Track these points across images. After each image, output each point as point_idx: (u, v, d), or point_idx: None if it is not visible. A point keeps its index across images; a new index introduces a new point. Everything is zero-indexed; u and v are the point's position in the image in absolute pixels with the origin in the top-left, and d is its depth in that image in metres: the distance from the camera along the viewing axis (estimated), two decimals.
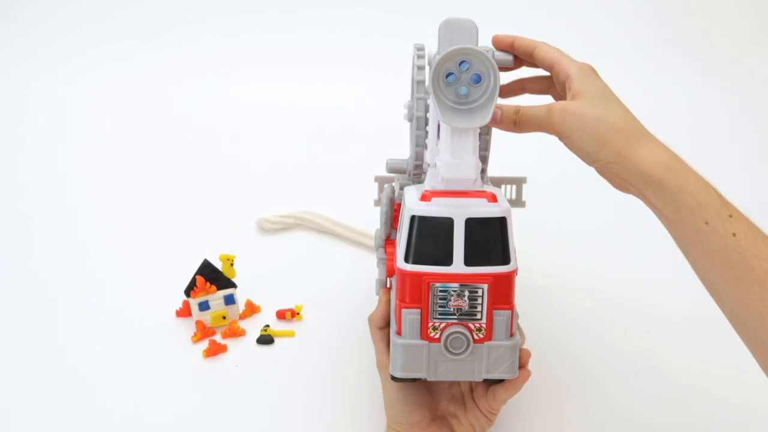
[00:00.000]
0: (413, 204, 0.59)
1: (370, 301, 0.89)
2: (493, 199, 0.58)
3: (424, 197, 0.59)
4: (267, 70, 1.30)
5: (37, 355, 0.81)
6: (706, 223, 0.54)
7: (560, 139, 0.60)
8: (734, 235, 0.53)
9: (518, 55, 0.66)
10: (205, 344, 0.82)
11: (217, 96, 1.24)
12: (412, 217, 0.58)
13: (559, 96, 0.66)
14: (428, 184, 0.62)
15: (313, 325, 0.86)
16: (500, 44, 0.66)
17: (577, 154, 0.59)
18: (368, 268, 0.92)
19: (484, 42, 0.74)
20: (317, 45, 1.32)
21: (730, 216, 0.54)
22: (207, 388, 0.78)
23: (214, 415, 0.75)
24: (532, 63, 0.66)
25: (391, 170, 0.69)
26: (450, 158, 0.58)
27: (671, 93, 1.34)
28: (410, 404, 0.66)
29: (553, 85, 0.67)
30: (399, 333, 0.60)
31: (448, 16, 0.61)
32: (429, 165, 0.65)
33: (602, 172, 0.59)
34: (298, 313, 0.86)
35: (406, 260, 0.59)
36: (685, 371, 0.82)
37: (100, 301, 0.88)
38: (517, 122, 0.61)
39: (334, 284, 0.91)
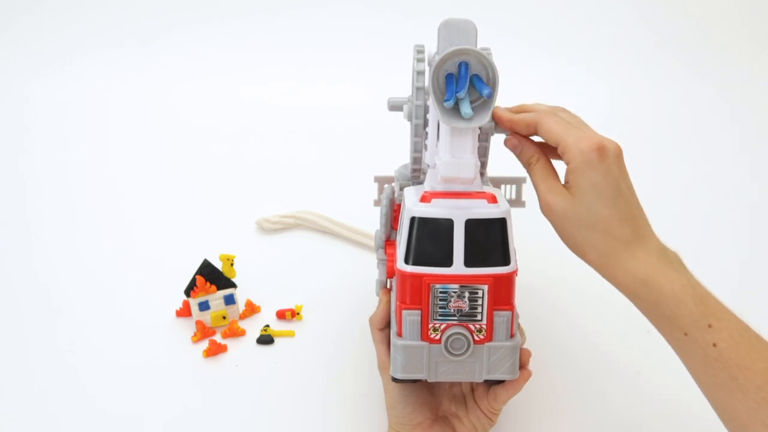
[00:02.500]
0: (413, 205, 0.59)
1: (370, 301, 0.89)
2: (493, 199, 0.58)
3: (424, 198, 0.59)
4: (267, 71, 1.30)
5: (38, 354, 0.81)
6: (685, 334, 0.55)
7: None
8: (714, 345, 0.54)
9: (521, 134, 0.64)
10: (205, 344, 0.82)
11: (217, 96, 1.24)
12: (412, 218, 0.58)
13: None
14: (428, 185, 0.62)
15: (313, 325, 0.86)
16: (500, 122, 0.64)
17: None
18: (368, 268, 0.92)
19: (483, 42, 0.74)
20: (316, 45, 1.32)
21: (710, 326, 0.54)
22: (207, 388, 0.78)
23: (214, 415, 0.75)
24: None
25: (392, 107, 0.67)
26: (450, 158, 0.58)
27: (671, 93, 1.34)
28: (412, 405, 0.66)
29: None
30: (399, 334, 0.60)
31: (448, 16, 0.60)
32: (429, 166, 0.65)
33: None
34: (298, 313, 0.86)
35: (406, 261, 0.59)
36: (685, 371, 0.81)
37: (100, 301, 0.88)
38: (530, 170, 0.63)
39: (334, 284, 0.91)
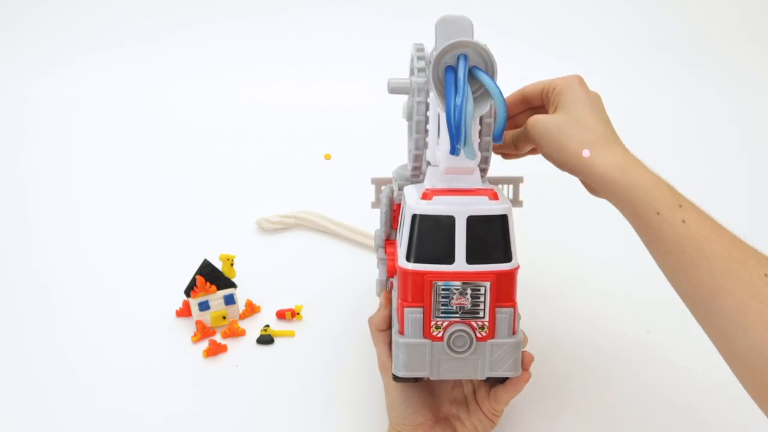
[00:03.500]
0: (414, 203, 0.59)
1: (370, 301, 0.89)
2: (494, 196, 0.58)
3: (425, 196, 0.59)
4: (267, 71, 1.30)
5: (38, 354, 0.81)
6: (657, 213, 0.57)
7: (536, 147, 0.66)
8: (683, 221, 0.56)
9: (514, 111, 0.71)
10: (205, 344, 0.82)
11: (217, 96, 1.24)
12: (414, 216, 0.58)
13: None
14: (428, 183, 0.62)
15: (313, 325, 0.86)
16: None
17: (550, 161, 0.64)
18: (368, 268, 0.92)
19: (483, 41, 0.74)
20: (316, 45, 1.32)
21: (680, 206, 0.57)
22: (207, 388, 0.78)
23: (215, 415, 0.75)
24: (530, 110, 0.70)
25: (393, 90, 0.66)
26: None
27: (670, 93, 1.34)
28: (413, 406, 0.66)
29: None
30: (401, 332, 0.60)
31: (445, 13, 0.61)
32: (429, 164, 0.65)
33: (575, 176, 0.63)
34: (298, 313, 0.86)
35: (408, 259, 0.59)
36: (685, 371, 0.81)
37: (100, 301, 0.88)
38: (516, 143, 0.68)
39: (334, 284, 0.91)
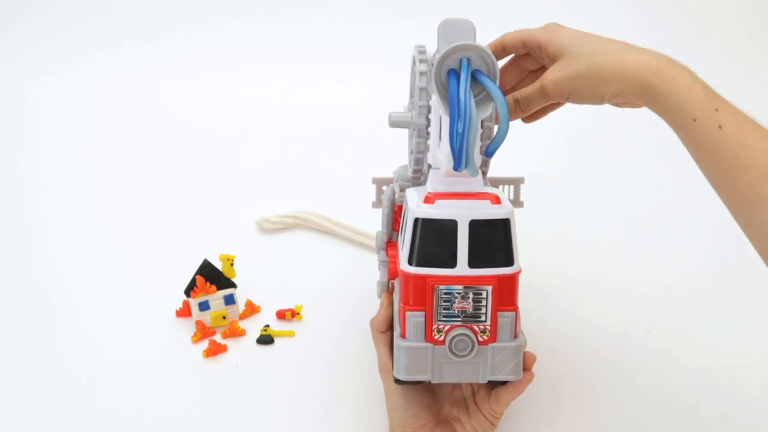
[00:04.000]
0: (416, 206, 0.59)
1: (370, 302, 0.89)
2: (496, 200, 0.58)
3: (428, 199, 0.59)
4: (267, 71, 1.29)
5: (37, 354, 0.81)
6: (694, 120, 0.56)
7: (567, 102, 0.63)
8: (720, 127, 0.55)
9: (497, 56, 0.68)
10: (205, 344, 0.83)
11: (217, 96, 1.24)
12: (416, 220, 0.58)
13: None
14: (430, 186, 0.62)
15: (313, 325, 0.86)
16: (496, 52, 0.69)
17: (589, 104, 0.62)
18: (368, 268, 0.92)
19: (484, 42, 0.74)
20: (316, 45, 1.32)
21: (716, 110, 0.56)
22: (207, 388, 0.78)
23: (214, 415, 0.75)
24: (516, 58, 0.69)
25: (393, 124, 0.67)
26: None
27: None
28: (414, 408, 0.66)
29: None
30: (403, 336, 0.60)
31: (447, 16, 0.61)
32: (431, 166, 0.65)
33: (616, 104, 0.62)
34: (298, 313, 0.86)
35: (410, 263, 0.59)
36: (685, 371, 0.82)
37: (100, 301, 0.88)
38: (522, 107, 0.65)
39: (334, 284, 0.91)
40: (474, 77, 0.57)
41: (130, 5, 1.34)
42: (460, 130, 0.55)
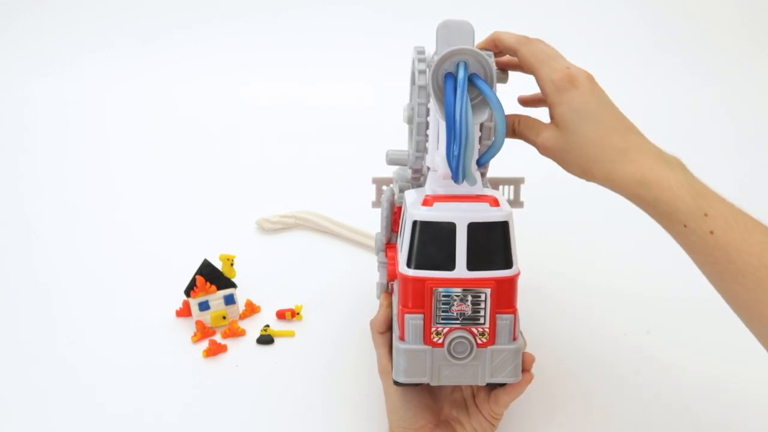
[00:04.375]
0: (415, 209, 0.59)
1: (369, 302, 0.89)
2: (495, 203, 0.58)
3: (426, 202, 0.59)
4: (267, 71, 1.30)
5: (37, 354, 0.81)
6: (685, 226, 0.57)
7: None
8: (711, 233, 0.56)
9: (503, 51, 0.67)
10: (205, 344, 0.83)
11: (217, 96, 1.24)
12: (414, 222, 0.58)
13: None
14: (429, 188, 0.62)
15: (313, 325, 0.86)
16: (484, 47, 0.67)
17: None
18: (368, 268, 0.92)
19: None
20: (316, 45, 1.32)
21: (705, 215, 0.56)
22: (207, 388, 0.78)
23: (214, 415, 0.75)
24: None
25: (391, 162, 0.68)
26: None
27: (670, 93, 1.34)
28: (413, 409, 0.66)
29: None
30: (402, 338, 0.60)
31: (446, 17, 0.61)
32: (429, 169, 0.65)
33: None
34: (298, 313, 0.86)
35: (409, 265, 0.58)
36: (685, 371, 0.82)
37: (100, 301, 0.88)
38: (517, 131, 0.66)
39: (334, 284, 0.91)
40: (471, 81, 0.57)
41: (130, 5, 1.34)
42: (456, 153, 0.55)
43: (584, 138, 0.60)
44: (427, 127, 0.64)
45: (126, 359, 0.81)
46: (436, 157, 0.61)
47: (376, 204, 0.80)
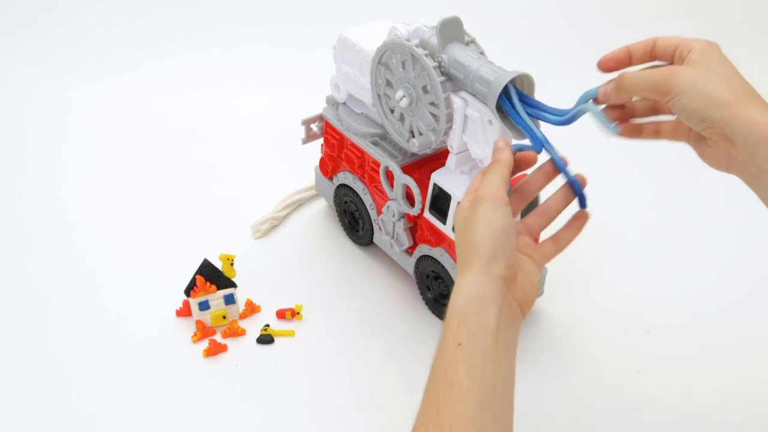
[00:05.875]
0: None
1: (370, 301, 0.89)
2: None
3: None
4: (268, 77, 1.29)
5: (36, 355, 0.81)
6: None
7: (666, 100, 0.56)
8: None
9: (636, 59, 0.62)
10: (205, 344, 0.83)
11: (218, 101, 1.24)
12: None
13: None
14: (456, 168, 0.77)
15: (313, 325, 0.86)
16: (614, 63, 0.63)
17: (682, 115, 0.56)
18: (368, 267, 0.92)
19: (483, 43, 0.75)
20: (310, 57, 1.31)
21: None
22: (207, 388, 0.78)
23: (214, 415, 0.76)
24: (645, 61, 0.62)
25: (422, 147, 0.79)
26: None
27: None
28: (513, 242, 0.58)
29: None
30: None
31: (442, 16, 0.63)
32: (474, 160, 0.76)
33: (708, 134, 0.57)
34: (298, 313, 0.86)
35: None
36: (685, 371, 0.82)
37: (100, 301, 0.88)
38: (620, 84, 0.59)
39: (334, 284, 0.91)
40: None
41: (128, 16, 1.35)
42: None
43: (723, 74, 0.56)
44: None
45: (126, 359, 0.81)
46: (487, 150, 0.72)
47: (306, 141, 0.97)
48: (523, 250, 0.62)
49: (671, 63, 0.60)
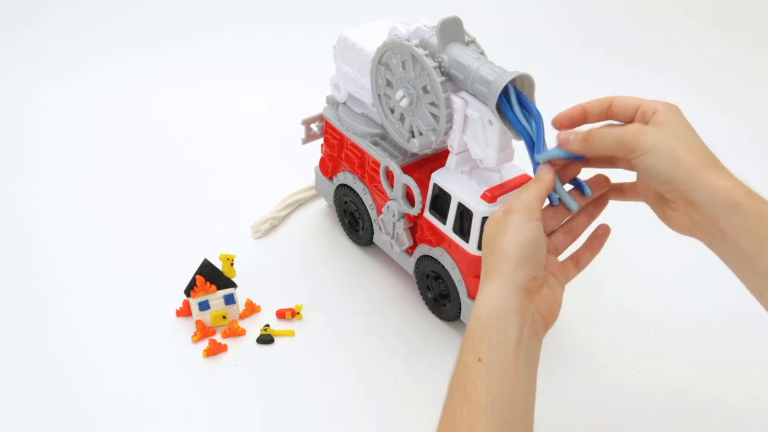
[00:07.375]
0: (479, 205, 0.74)
1: (370, 301, 0.89)
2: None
3: (488, 198, 0.73)
4: (268, 77, 1.29)
5: (36, 355, 0.81)
6: None
7: (631, 158, 0.57)
8: None
9: (591, 117, 0.62)
10: (205, 344, 0.83)
11: (218, 101, 1.24)
12: (484, 218, 0.73)
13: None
14: (456, 167, 0.77)
15: (313, 325, 0.86)
16: (568, 122, 0.62)
17: (647, 174, 0.57)
18: (368, 268, 0.92)
19: (483, 43, 0.75)
20: (310, 58, 1.31)
21: None
22: (207, 387, 0.78)
23: (214, 415, 0.76)
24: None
25: (422, 147, 0.79)
26: (497, 153, 0.72)
27: (670, 93, 1.34)
28: (542, 257, 0.59)
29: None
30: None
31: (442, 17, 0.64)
32: (475, 161, 0.76)
33: (671, 197, 0.57)
34: (298, 313, 0.86)
35: (479, 248, 0.72)
36: (685, 371, 0.82)
37: (100, 301, 0.88)
38: (588, 139, 0.59)
39: (334, 284, 0.91)
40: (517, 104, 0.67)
41: (126, 16, 1.35)
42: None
43: (688, 139, 0.57)
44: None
45: (126, 359, 0.81)
46: (487, 149, 0.72)
47: (306, 141, 0.97)
48: (549, 268, 0.61)
49: (630, 123, 0.59)
